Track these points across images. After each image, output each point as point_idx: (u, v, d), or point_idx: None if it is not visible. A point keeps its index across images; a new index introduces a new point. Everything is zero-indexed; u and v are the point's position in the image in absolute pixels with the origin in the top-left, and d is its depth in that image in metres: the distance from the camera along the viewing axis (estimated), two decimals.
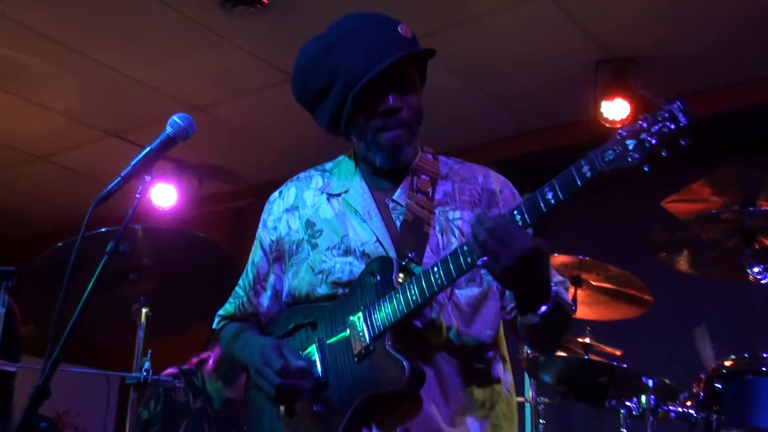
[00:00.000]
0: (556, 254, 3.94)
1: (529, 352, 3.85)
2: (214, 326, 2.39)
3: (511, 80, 5.31)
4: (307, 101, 2.18)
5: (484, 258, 1.80)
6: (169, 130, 2.09)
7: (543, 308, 1.89)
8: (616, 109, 4.95)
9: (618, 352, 4.09)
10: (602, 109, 4.97)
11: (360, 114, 2.09)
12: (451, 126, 5.68)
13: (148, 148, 2.06)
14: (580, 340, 4.04)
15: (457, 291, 2.07)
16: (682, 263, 3.62)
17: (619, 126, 4.94)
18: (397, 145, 2.10)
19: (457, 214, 2.15)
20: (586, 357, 3.92)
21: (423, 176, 2.18)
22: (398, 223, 2.12)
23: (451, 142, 5.68)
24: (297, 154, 6.17)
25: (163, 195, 6.45)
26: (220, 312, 2.36)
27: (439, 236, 2.10)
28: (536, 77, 5.24)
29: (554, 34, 4.81)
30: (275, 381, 2.03)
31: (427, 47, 2.12)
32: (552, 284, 1.94)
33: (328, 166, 2.34)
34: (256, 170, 6.74)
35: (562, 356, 3.85)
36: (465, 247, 1.88)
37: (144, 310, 3.29)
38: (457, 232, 2.11)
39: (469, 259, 1.87)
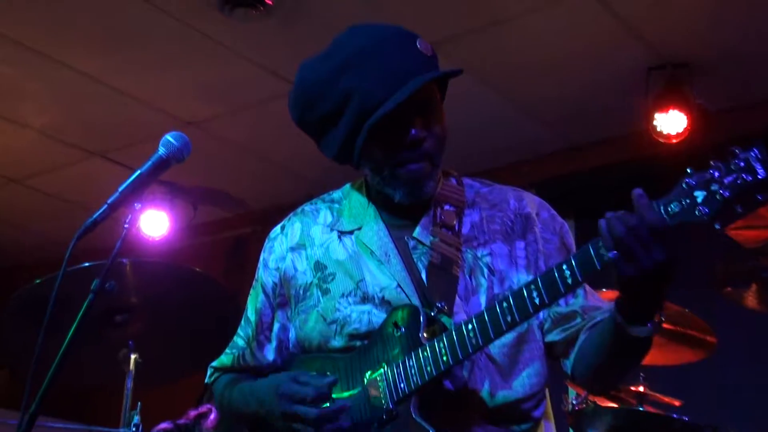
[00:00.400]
0: (603, 290, 3.93)
1: (574, 402, 3.83)
2: (207, 380, 2.39)
3: (550, 90, 5.33)
4: (309, 125, 2.16)
5: (615, 253, 1.76)
6: (161, 151, 2.09)
7: (651, 324, 1.87)
8: (671, 122, 4.97)
9: (677, 403, 4.06)
10: (655, 122, 4.97)
11: (376, 146, 2.09)
12: (480, 143, 5.70)
13: (138, 172, 2.07)
14: (632, 388, 4.01)
15: None
16: (751, 299, 3.60)
17: (674, 141, 5.00)
18: (419, 179, 2.10)
19: (486, 250, 2.15)
20: (640, 408, 3.89)
21: (447, 207, 2.18)
22: (420, 265, 2.12)
23: (480, 161, 5.70)
24: (305, 175, 6.21)
25: (154, 223, 6.50)
26: (214, 364, 2.37)
27: (467, 278, 2.11)
28: (579, 86, 5.26)
29: (599, 36, 4.82)
30: (312, 414, 2.00)
31: (451, 66, 2.11)
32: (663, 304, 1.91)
33: (336, 195, 2.33)
34: (258, 194, 6.78)
35: (612, 407, 3.83)
36: (504, 303, 1.89)
37: (133, 357, 3.29)
38: (486, 271, 2.12)
39: (509, 320, 1.88)
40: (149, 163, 2.09)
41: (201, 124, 5.83)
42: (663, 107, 4.97)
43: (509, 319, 1.87)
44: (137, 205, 2.07)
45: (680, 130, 4.96)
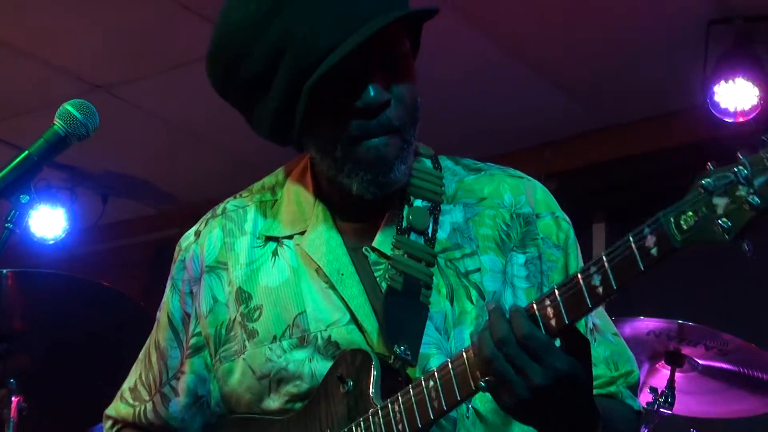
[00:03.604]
0: (641, 317, 3.94)
1: None
2: (105, 429, 2.38)
3: (578, 54, 5.35)
4: (234, 94, 2.09)
5: (487, 380, 1.76)
6: (58, 124, 2.09)
7: None
8: (736, 94, 4.99)
9: None
10: (716, 95, 4.99)
11: (323, 114, 2.01)
12: (486, 120, 5.71)
13: (25, 153, 2.06)
14: None
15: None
16: None
17: (741, 120, 5.01)
18: (383, 160, 2.01)
19: (474, 262, 2.10)
20: None
21: (418, 202, 2.13)
22: (385, 288, 2.06)
23: (489, 142, 5.71)
24: (252, 160, 6.17)
25: (48, 222, 6.47)
26: (110, 413, 2.35)
27: (447, 305, 2.06)
28: (616, 48, 5.28)
29: None
30: None
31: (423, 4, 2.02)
32: (597, 423, 1.87)
33: (270, 182, 2.27)
34: (190, 184, 6.80)
35: None
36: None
37: (15, 400, 3.29)
38: (474, 293, 2.07)
39: (478, 374, 1.82)
40: (41, 140, 2.08)
41: (113, 89, 5.83)
42: (726, 74, 4.99)
43: (478, 373, 1.81)
44: (24, 198, 2.06)
45: (749, 106, 4.98)
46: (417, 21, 2.09)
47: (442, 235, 2.11)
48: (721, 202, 1.54)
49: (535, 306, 1.74)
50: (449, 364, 1.84)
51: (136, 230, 7.34)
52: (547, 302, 1.73)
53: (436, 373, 1.86)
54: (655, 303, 4.19)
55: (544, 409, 1.76)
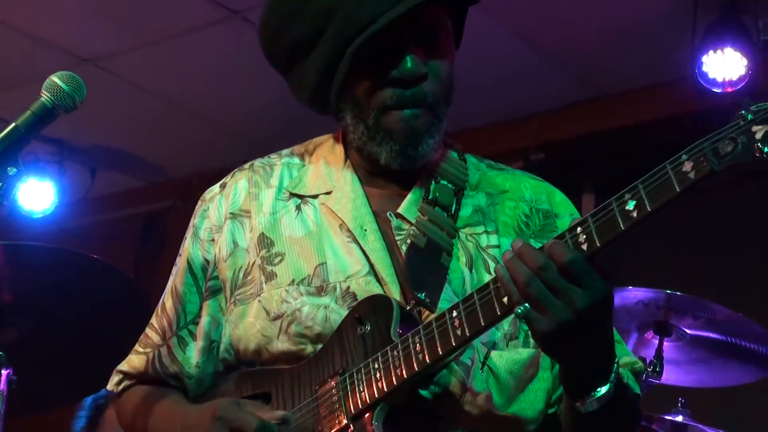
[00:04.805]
0: (629, 287, 3.95)
1: None
2: (109, 387, 2.38)
3: (566, 25, 5.34)
4: (280, 55, 2.18)
5: (526, 306, 1.79)
6: (45, 96, 2.09)
7: (603, 390, 1.88)
8: (724, 64, 4.97)
9: None
10: (704, 65, 4.99)
11: (360, 80, 2.10)
12: (479, 91, 5.70)
13: (12, 126, 2.06)
14: (668, 418, 4.04)
15: (494, 352, 2.07)
16: None
17: (729, 90, 5.00)
18: (414, 131, 2.10)
19: (494, 239, 2.16)
20: None
21: (444, 183, 2.19)
22: (405, 250, 2.11)
23: (478, 114, 5.70)
24: (243, 132, 6.19)
25: (37, 195, 6.45)
26: (122, 368, 2.34)
27: (466, 271, 2.11)
28: (603, 19, 5.27)
29: None
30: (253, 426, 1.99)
31: None
32: (614, 360, 1.93)
33: (299, 151, 2.33)
34: (179, 157, 6.77)
35: None
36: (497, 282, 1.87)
37: (5, 372, 3.29)
38: (492, 265, 2.12)
39: (504, 301, 1.85)
40: (28, 112, 2.08)
41: (101, 61, 5.81)
42: (715, 45, 4.98)
43: (505, 300, 1.85)
44: (11, 170, 2.05)
45: (737, 76, 4.97)
46: (460, 5, 2.21)
47: (464, 213, 2.19)
48: (760, 129, 1.66)
49: (567, 234, 1.80)
50: (474, 294, 1.89)
51: (125, 203, 7.33)
52: (579, 229, 1.80)
53: (460, 304, 1.90)
54: (644, 273, 4.20)
55: (579, 335, 1.81)
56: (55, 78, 2.09)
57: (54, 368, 3.51)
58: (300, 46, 2.13)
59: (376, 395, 1.98)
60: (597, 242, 1.77)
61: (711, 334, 4.10)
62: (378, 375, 1.98)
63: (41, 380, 3.44)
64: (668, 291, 3.99)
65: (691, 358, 4.18)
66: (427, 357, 1.93)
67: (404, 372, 1.95)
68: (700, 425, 4.07)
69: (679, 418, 4.05)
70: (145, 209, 7.20)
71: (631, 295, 3.97)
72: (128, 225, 7.24)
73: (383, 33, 2.03)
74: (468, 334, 1.89)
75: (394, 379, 1.96)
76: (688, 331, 4.11)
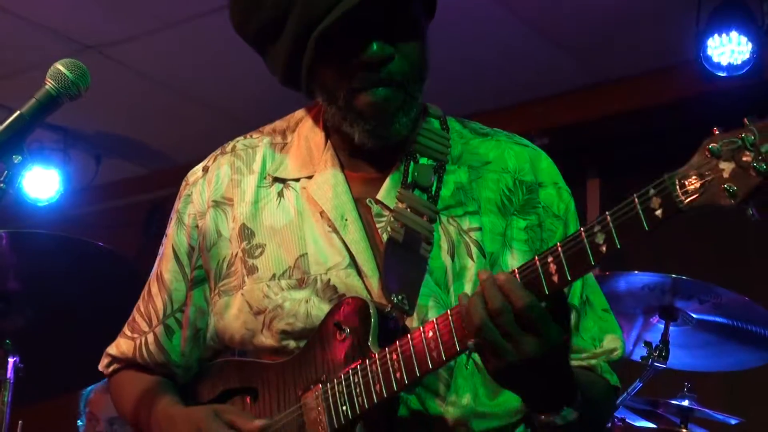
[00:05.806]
0: (635, 272, 3.95)
1: None
2: (100, 367, 2.39)
3: (571, 9, 5.32)
4: (251, 40, 2.18)
5: (473, 342, 1.79)
6: (49, 85, 2.08)
7: (565, 412, 1.86)
8: (729, 48, 4.95)
9: (733, 421, 4.09)
10: (709, 49, 4.97)
11: (329, 65, 2.08)
12: (483, 75, 5.69)
13: (17, 113, 2.06)
14: (674, 402, 4.05)
15: None
16: None
17: (734, 74, 4.99)
18: (384, 111, 2.08)
19: (475, 221, 2.13)
20: (684, 429, 3.92)
21: (423, 160, 2.16)
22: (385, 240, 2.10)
23: (481, 98, 5.70)
24: (245, 118, 6.16)
25: (42, 183, 6.46)
26: (111, 351, 2.36)
27: (448, 260, 2.09)
28: (608, 3, 5.24)
29: None
30: None
31: None
32: (575, 389, 1.90)
33: (281, 125, 2.32)
34: (183, 143, 6.76)
35: (649, 427, 3.84)
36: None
37: (12, 360, 3.30)
38: (474, 250, 2.10)
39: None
40: (33, 100, 2.08)
41: (105, 48, 5.79)
42: (720, 29, 4.96)
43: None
44: (16, 158, 2.06)
45: (741, 60, 4.96)
46: None
47: (445, 192, 2.16)
48: (727, 167, 1.57)
49: (537, 261, 1.76)
50: (449, 316, 1.86)
51: (130, 190, 7.33)
52: (550, 258, 1.75)
53: (436, 324, 1.88)
54: (650, 257, 4.19)
55: (531, 375, 1.80)
56: (59, 65, 2.08)
57: (60, 355, 3.52)
58: (266, 32, 2.12)
59: (358, 412, 1.97)
60: (567, 275, 1.74)
61: (717, 318, 4.10)
62: (358, 390, 1.97)
63: (47, 367, 3.44)
64: (674, 275, 3.98)
65: (697, 342, 4.17)
66: (405, 378, 1.91)
67: (384, 390, 1.94)
68: (706, 409, 4.08)
69: (686, 403, 4.06)
70: (149, 196, 7.19)
71: (637, 279, 3.97)
72: (133, 212, 7.23)
73: (345, 19, 2.00)
74: (444, 359, 1.88)
75: (374, 395, 1.95)
76: (693, 315, 4.11)
